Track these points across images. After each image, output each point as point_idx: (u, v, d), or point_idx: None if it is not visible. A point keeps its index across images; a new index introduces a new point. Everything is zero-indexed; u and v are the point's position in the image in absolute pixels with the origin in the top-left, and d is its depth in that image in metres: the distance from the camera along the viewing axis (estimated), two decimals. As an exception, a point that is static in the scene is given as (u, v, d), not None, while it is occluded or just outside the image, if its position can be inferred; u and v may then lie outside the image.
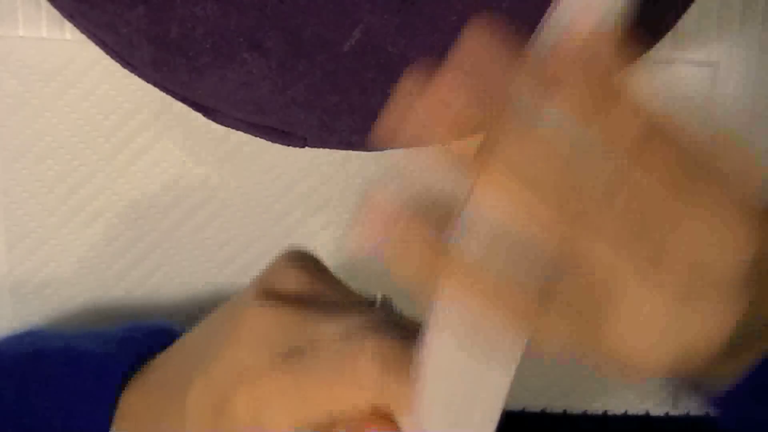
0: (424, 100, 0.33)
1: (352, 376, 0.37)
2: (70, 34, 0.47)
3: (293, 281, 0.41)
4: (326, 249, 0.49)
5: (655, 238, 0.33)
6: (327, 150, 0.48)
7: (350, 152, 0.48)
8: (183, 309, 0.50)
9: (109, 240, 0.49)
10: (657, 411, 0.51)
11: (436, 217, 0.33)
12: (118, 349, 0.43)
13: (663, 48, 0.48)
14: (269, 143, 0.48)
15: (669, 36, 0.48)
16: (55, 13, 0.46)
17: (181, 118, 0.48)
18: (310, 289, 0.41)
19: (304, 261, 0.42)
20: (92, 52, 0.47)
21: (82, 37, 0.47)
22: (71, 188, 0.48)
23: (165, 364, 0.42)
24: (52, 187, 0.48)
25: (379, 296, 0.42)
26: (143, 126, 0.48)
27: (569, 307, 0.33)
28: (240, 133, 0.48)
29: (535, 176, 0.32)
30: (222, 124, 0.44)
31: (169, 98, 0.48)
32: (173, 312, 0.50)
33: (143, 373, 0.42)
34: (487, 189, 0.33)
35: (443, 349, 0.35)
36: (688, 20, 0.48)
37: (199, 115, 0.48)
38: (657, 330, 0.34)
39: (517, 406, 0.51)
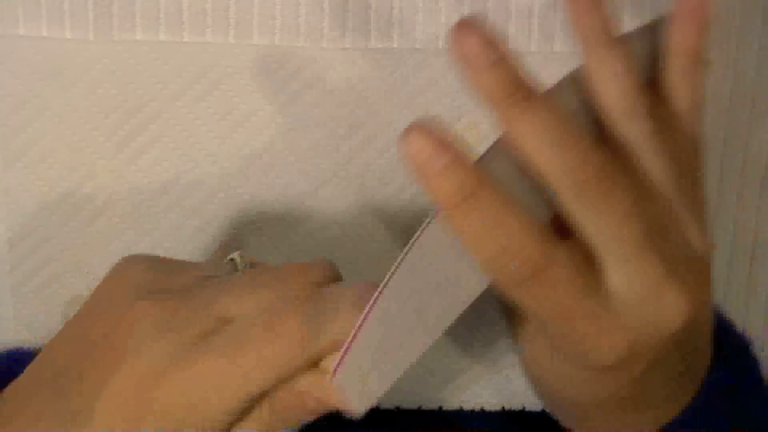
0: None
1: (284, 333, 0.37)
2: (70, 33, 0.47)
3: (144, 272, 0.40)
4: (326, 249, 0.49)
5: (655, 213, 0.36)
6: (327, 150, 0.48)
7: (351, 152, 0.48)
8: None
9: (109, 240, 0.49)
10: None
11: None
12: None
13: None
14: (269, 144, 0.48)
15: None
16: (56, 13, 0.46)
17: (181, 118, 0.48)
18: (166, 271, 0.40)
19: (137, 258, 0.41)
20: (92, 51, 0.47)
21: (82, 37, 0.47)
22: (72, 188, 0.48)
23: (19, 392, 0.40)
24: (53, 187, 0.48)
25: (237, 256, 0.42)
26: (143, 126, 0.48)
27: (564, 273, 0.35)
28: (240, 134, 0.48)
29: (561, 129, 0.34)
30: None
31: (169, 98, 0.48)
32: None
33: None
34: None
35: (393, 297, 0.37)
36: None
37: (199, 115, 0.48)
38: (638, 301, 0.36)
39: (516, 406, 0.51)
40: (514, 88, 0.34)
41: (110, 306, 0.39)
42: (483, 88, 0.34)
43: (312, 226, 0.49)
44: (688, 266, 0.36)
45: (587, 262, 0.35)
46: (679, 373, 0.40)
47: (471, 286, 0.37)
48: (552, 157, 0.34)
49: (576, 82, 0.37)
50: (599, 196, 0.34)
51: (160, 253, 0.49)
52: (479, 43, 0.33)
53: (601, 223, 0.35)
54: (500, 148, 0.36)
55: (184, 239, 0.49)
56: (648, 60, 0.38)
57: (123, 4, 0.47)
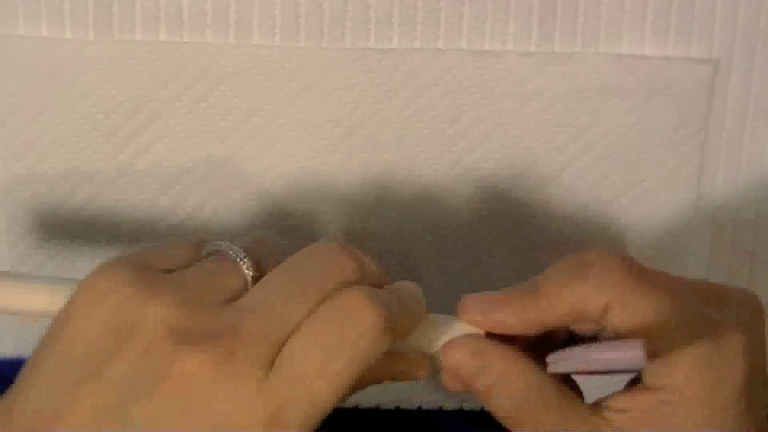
0: None
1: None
2: (70, 33, 0.47)
3: (165, 305, 0.35)
4: (326, 248, 0.49)
5: None
6: (327, 150, 0.48)
7: (351, 152, 0.48)
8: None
9: (109, 240, 0.49)
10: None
11: None
12: None
13: (664, 45, 0.48)
14: (269, 144, 0.48)
15: (670, 33, 0.48)
16: (56, 13, 0.46)
17: (181, 117, 0.48)
18: (169, 291, 0.36)
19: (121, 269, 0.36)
20: (92, 51, 0.47)
21: (82, 37, 0.47)
22: (72, 188, 0.48)
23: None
24: (53, 187, 0.48)
25: (229, 249, 0.39)
26: (143, 126, 0.48)
27: None
28: (240, 134, 0.48)
29: None
30: None
31: (169, 98, 0.48)
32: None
33: None
34: None
35: None
36: (689, 17, 0.48)
37: (199, 115, 0.48)
38: None
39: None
40: None
41: (135, 345, 0.34)
42: None
43: (313, 226, 0.49)
44: None
45: None
46: None
47: None
48: None
49: None
50: None
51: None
52: None
53: None
54: None
55: (184, 240, 0.49)
56: None
57: (123, 4, 0.47)
